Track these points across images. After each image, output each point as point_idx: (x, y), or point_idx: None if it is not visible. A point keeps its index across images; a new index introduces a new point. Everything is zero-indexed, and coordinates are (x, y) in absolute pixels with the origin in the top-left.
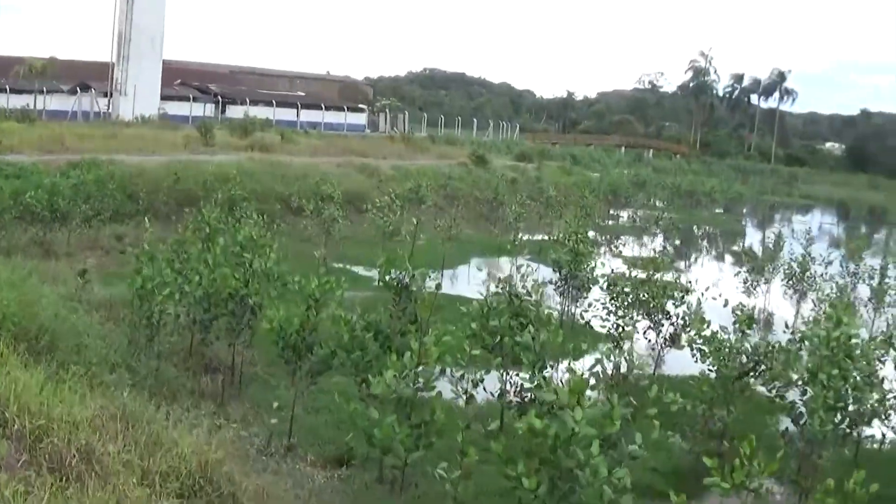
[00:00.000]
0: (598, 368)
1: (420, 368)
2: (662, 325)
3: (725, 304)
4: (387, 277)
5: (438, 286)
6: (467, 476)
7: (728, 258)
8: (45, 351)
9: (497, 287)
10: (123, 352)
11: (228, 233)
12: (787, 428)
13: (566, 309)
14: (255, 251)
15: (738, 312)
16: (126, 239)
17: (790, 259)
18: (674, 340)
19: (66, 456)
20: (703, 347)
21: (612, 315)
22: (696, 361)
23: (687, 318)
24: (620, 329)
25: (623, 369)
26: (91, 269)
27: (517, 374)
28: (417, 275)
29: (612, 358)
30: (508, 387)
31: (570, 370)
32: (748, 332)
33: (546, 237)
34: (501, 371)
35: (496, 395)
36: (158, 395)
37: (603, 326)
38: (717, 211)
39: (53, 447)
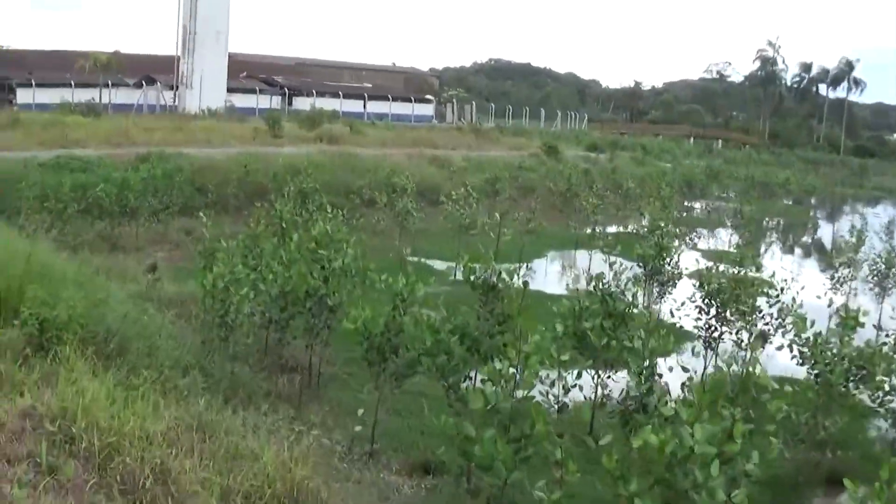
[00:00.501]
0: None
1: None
2: (755, 325)
3: (830, 304)
4: (471, 276)
5: (526, 284)
6: (570, 496)
7: (801, 251)
8: (114, 355)
9: (589, 284)
10: (196, 353)
11: (303, 227)
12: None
13: (649, 305)
14: (333, 247)
15: (843, 314)
16: (195, 233)
17: (875, 254)
18: (765, 340)
19: (139, 476)
20: (805, 350)
21: (703, 314)
22: (798, 364)
23: (782, 317)
24: (713, 329)
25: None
26: (160, 264)
27: (610, 378)
28: (505, 273)
29: (733, 366)
30: (601, 391)
31: (689, 380)
32: (852, 334)
33: (622, 229)
34: (594, 375)
35: (596, 402)
36: (234, 398)
37: (696, 327)
38: (787, 203)
39: (125, 466)
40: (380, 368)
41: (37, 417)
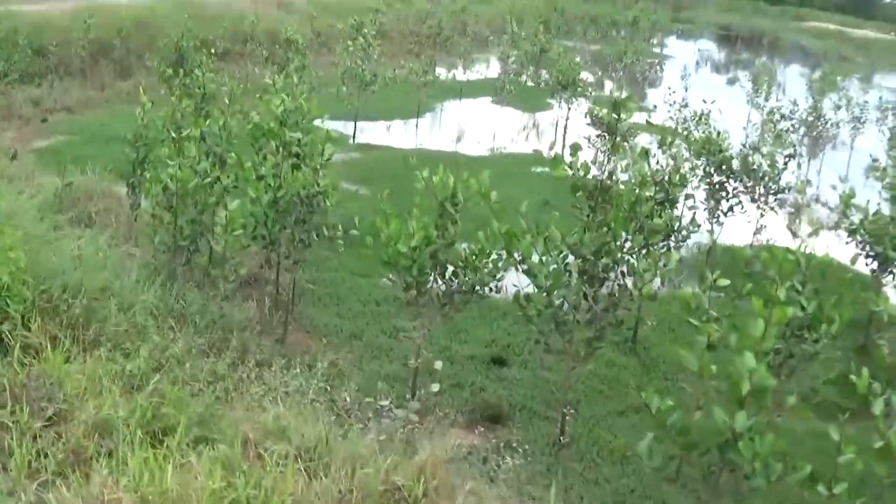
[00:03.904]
0: None
1: None
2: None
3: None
4: (576, 175)
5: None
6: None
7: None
8: (80, 323)
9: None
10: (159, 287)
11: (229, 98)
12: None
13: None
14: (304, 128)
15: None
16: (43, 103)
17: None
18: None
19: None
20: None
21: (713, 187)
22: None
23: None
24: (721, 201)
25: None
26: (15, 146)
27: None
28: (628, 162)
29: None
30: None
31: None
32: None
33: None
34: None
35: None
36: (226, 350)
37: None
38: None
39: None
40: (420, 296)
41: None
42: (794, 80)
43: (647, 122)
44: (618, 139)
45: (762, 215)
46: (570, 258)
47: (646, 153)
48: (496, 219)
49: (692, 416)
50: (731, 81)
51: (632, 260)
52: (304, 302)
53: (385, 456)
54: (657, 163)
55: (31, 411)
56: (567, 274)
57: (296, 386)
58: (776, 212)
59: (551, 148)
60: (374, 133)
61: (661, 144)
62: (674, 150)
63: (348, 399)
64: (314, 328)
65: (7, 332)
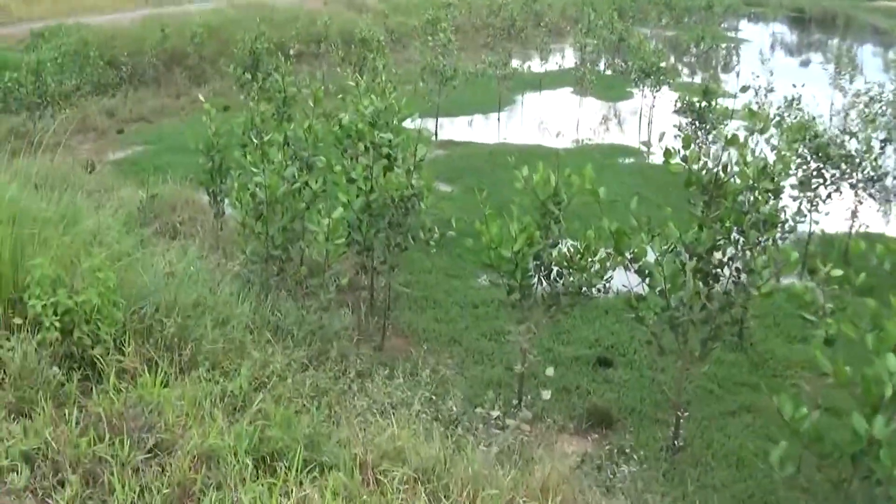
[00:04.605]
0: None
1: None
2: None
3: None
4: (692, 168)
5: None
6: None
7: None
8: (176, 345)
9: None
10: (254, 299)
11: (311, 99)
12: None
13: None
14: (395, 129)
15: None
16: (118, 114)
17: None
18: None
19: None
20: None
21: (812, 174)
22: None
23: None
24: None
25: None
26: (92, 158)
27: None
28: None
29: None
30: None
31: None
32: None
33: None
34: None
35: None
36: (326, 361)
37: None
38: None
39: None
40: (524, 300)
41: None
42: (869, 61)
43: (748, 109)
44: (728, 131)
45: (860, 202)
46: (684, 255)
47: (745, 142)
48: (605, 216)
49: (812, 416)
50: (805, 64)
51: (746, 256)
52: (400, 306)
53: (504, 472)
54: (761, 151)
55: (132, 443)
56: (683, 273)
57: (399, 397)
58: (875, 198)
59: (661, 139)
60: (455, 129)
61: (753, 131)
62: (774, 137)
63: (455, 409)
64: (412, 333)
65: (99, 357)
